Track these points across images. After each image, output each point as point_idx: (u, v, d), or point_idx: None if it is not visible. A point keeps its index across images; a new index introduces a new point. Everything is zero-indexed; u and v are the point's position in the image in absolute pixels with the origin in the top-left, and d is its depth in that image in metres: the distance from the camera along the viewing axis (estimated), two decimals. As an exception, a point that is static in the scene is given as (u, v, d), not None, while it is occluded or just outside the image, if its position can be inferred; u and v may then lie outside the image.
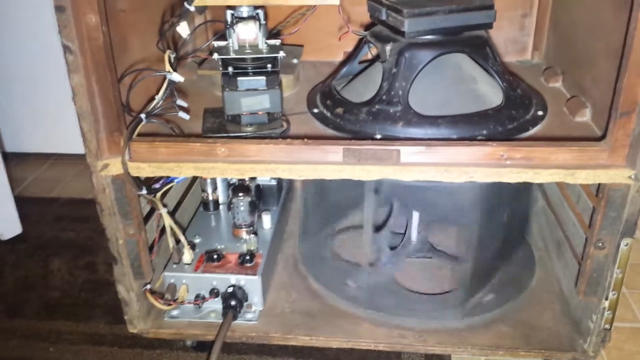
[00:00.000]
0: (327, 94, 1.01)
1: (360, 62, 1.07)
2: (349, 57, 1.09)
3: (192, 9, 0.75)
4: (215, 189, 1.16)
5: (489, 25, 0.93)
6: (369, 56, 1.03)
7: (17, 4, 1.60)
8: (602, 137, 0.81)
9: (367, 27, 1.02)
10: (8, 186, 1.36)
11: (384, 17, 0.94)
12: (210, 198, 1.16)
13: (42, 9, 1.58)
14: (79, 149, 0.79)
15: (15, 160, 1.74)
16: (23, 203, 1.43)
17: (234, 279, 0.98)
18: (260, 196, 1.17)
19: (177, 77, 0.81)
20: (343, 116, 0.94)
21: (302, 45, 1.20)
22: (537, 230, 1.21)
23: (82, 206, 1.50)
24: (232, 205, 1.07)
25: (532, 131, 0.90)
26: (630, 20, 0.73)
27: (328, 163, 0.83)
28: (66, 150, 1.81)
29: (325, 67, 1.21)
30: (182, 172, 0.83)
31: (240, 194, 1.06)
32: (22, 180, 1.67)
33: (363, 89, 0.97)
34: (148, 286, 0.97)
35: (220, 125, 0.93)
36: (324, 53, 1.24)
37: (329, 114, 0.97)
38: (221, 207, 1.18)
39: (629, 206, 0.79)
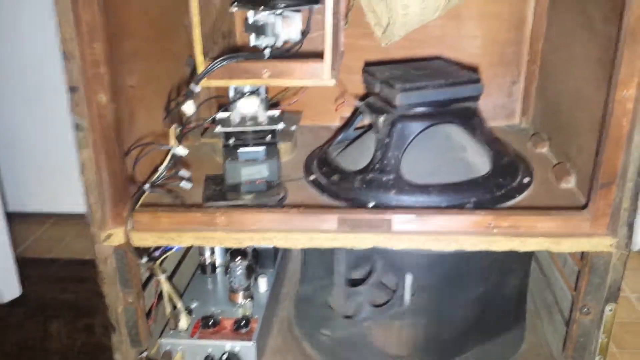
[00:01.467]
0: (323, 161, 1.05)
1: (357, 129, 1.12)
2: (345, 125, 1.14)
3: (197, 89, 0.80)
4: (212, 252, 1.19)
5: (476, 98, 0.98)
6: (365, 121, 1.08)
7: (23, 67, 1.66)
8: (586, 206, 0.85)
9: (363, 97, 1.07)
10: (10, 248, 1.38)
11: (377, 90, 1.00)
12: (208, 261, 1.18)
13: (48, 74, 1.64)
14: (80, 208, 0.83)
15: (17, 220, 1.77)
16: (24, 264, 1.46)
17: (229, 345, 1.00)
18: (256, 259, 1.19)
19: (181, 151, 0.85)
20: (338, 183, 0.98)
21: (300, 112, 1.24)
22: (528, 291, 1.23)
23: (81, 267, 1.53)
24: (229, 269, 1.09)
25: (519, 198, 0.94)
26: (608, 97, 0.79)
27: (323, 231, 0.86)
28: (67, 210, 1.84)
29: (323, 132, 1.25)
30: (183, 241, 0.86)
31: (237, 259, 1.08)
32: (24, 240, 1.70)
33: (358, 157, 1.01)
34: (144, 354, 0.98)
35: (220, 193, 0.97)
36: (322, 118, 1.28)
37: (325, 181, 1.00)
38: (218, 269, 1.20)
39: (611, 273, 0.83)
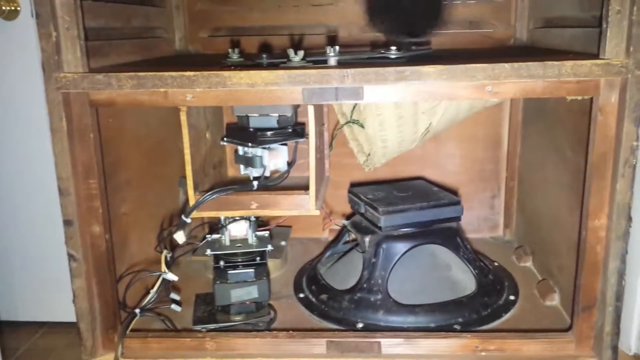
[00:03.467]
0: (312, 278, 1.07)
1: (345, 243, 1.15)
2: (334, 241, 1.17)
3: (188, 221, 0.84)
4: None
5: (457, 219, 1.02)
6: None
7: (14, 181, 1.69)
8: (570, 327, 0.87)
9: (349, 216, 1.11)
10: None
11: (362, 211, 1.04)
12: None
13: (41, 188, 1.67)
14: (71, 317, 0.83)
15: (8, 329, 1.75)
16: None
17: None
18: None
19: (171, 277, 0.87)
20: (327, 303, 0.99)
21: (290, 227, 1.28)
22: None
23: (72, 379, 1.48)
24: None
25: (505, 317, 0.95)
26: (581, 225, 0.82)
27: (312, 356, 0.86)
28: (58, 318, 1.82)
29: (313, 245, 1.28)
30: (172, 368, 0.87)
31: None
32: (15, 350, 1.67)
33: (345, 275, 1.03)
34: None
35: (210, 314, 0.98)
36: (311, 231, 1.31)
37: (314, 300, 1.02)
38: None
39: (599, 394, 0.83)
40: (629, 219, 0.78)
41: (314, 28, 1.21)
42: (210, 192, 0.82)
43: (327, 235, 1.32)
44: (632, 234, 0.79)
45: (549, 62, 0.74)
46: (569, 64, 0.74)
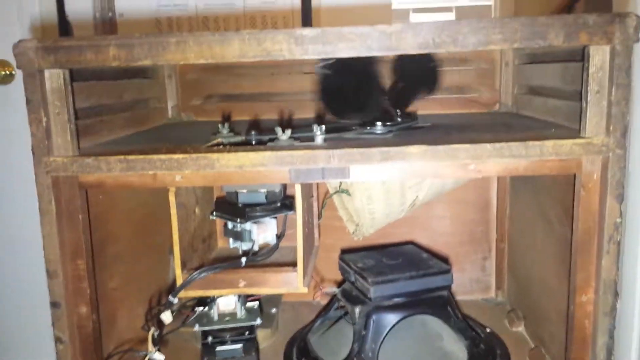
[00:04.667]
0: (302, 350, 1.06)
1: (337, 309, 1.14)
2: (325, 307, 1.16)
3: (175, 301, 0.83)
4: None
5: (447, 287, 1.02)
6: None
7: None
8: (563, 401, 0.86)
9: (340, 283, 1.11)
10: None
11: (352, 279, 1.03)
12: None
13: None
14: None
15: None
16: None
17: None
18: None
19: (158, 357, 0.86)
20: (318, 376, 0.98)
21: (281, 294, 1.27)
22: None
23: None
24: None
25: (498, 391, 0.94)
26: (569, 299, 0.82)
27: None
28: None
29: (304, 309, 1.26)
30: None
31: None
32: None
33: (336, 345, 1.02)
34: None
35: (199, 390, 0.96)
36: (303, 294, 1.29)
37: (304, 373, 1.01)
38: None
39: None
40: (616, 294, 0.79)
41: (305, 94, 1.23)
42: (197, 272, 0.82)
43: (319, 297, 1.31)
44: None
45: (530, 142, 0.75)
46: (549, 143, 0.75)
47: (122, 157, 0.76)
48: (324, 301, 1.26)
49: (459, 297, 1.25)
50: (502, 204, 1.23)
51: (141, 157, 0.76)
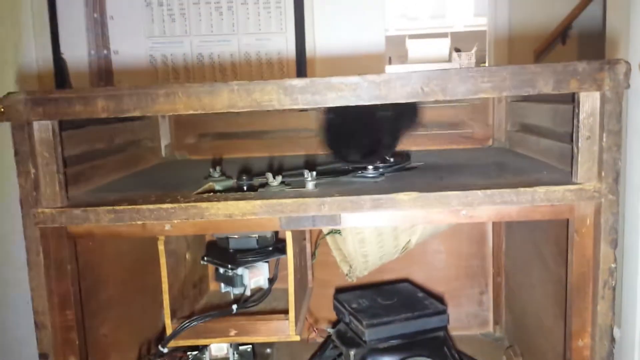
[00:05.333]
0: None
1: (332, 348, 1.12)
2: (320, 348, 1.15)
3: (165, 350, 0.82)
4: None
5: (443, 328, 1.01)
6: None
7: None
8: None
9: (335, 323, 1.10)
10: None
11: (347, 321, 1.02)
12: None
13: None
14: None
15: None
16: None
17: None
18: None
19: (149, 406, 0.85)
20: None
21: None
22: None
23: None
24: None
25: None
26: (565, 342, 0.81)
27: None
28: None
29: (300, 348, 1.24)
30: None
31: None
32: None
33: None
34: None
35: None
36: (299, 331, 1.29)
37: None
38: None
39: None
40: (612, 339, 0.78)
41: (298, 131, 1.23)
42: (187, 321, 0.81)
43: (315, 334, 1.29)
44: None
45: (522, 189, 0.75)
46: (541, 189, 0.75)
47: (110, 207, 0.75)
48: (320, 339, 1.24)
49: (457, 333, 1.23)
50: (497, 238, 1.22)
51: (129, 207, 0.75)
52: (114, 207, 0.75)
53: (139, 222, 0.76)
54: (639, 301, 0.96)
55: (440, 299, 1.14)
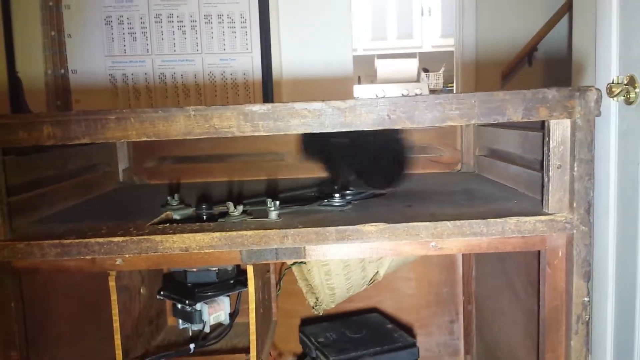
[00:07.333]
0: None
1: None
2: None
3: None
4: None
5: (413, 361, 0.97)
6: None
7: None
8: None
9: (300, 356, 1.05)
10: None
11: (314, 356, 0.98)
12: None
13: None
14: None
15: None
16: None
17: None
18: None
19: None
20: None
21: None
22: None
23: None
24: None
25: None
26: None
27: None
28: None
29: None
30: None
31: None
32: None
33: None
34: None
35: None
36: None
37: None
38: None
39: None
40: (587, 376, 0.75)
41: (263, 156, 1.19)
42: (141, 362, 0.75)
43: (285, 365, 1.25)
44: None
45: (492, 220, 0.72)
46: (512, 220, 0.72)
47: (56, 241, 0.70)
48: (286, 370, 1.19)
49: (427, 363, 1.20)
50: (467, 265, 1.19)
51: (77, 240, 0.70)
52: (61, 241, 0.70)
53: (88, 257, 0.71)
54: (609, 335, 0.94)
55: (410, 329, 1.10)
